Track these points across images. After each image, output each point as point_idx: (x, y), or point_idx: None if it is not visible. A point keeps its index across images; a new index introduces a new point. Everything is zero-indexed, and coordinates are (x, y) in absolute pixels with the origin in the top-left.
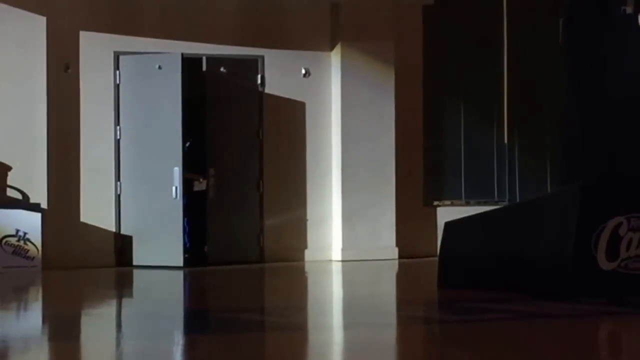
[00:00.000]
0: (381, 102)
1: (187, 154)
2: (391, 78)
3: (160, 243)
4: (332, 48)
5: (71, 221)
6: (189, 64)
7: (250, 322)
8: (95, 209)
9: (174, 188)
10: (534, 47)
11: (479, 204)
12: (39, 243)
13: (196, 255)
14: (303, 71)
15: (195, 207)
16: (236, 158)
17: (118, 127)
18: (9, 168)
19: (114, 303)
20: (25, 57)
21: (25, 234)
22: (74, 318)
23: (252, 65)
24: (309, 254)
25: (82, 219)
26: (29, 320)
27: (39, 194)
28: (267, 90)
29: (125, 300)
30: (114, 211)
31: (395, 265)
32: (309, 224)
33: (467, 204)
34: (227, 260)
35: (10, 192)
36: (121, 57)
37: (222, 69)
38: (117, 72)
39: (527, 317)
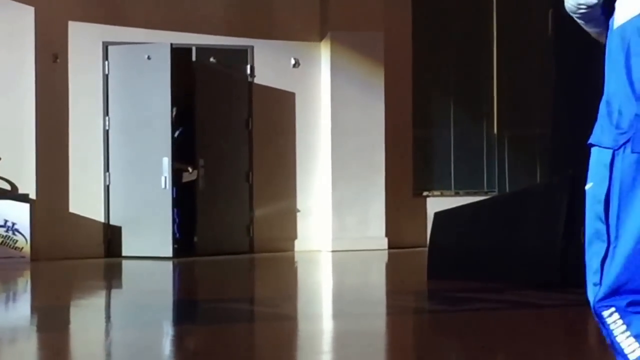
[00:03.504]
0: (371, 93)
1: (177, 144)
2: (381, 68)
3: (150, 233)
4: (321, 38)
5: (60, 212)
6: (178, 54)
7: (239, 312)
8: (84, 200)
9: (163, 178)
10: (523, 38)
11: (468, 194)
12: (27, 234)
13: (185, 246)
14: (293, 61)
15: (184, 198)
16: (226, 148)
17: (107, 118)
18: None
19: (103, 294)
20: (14, 47)
21: (13, 224)
22: (63, 309)
23: (242, 56)
24: (298, 244)
25: (71, 209)
26: (18, 310)
27: (28, 185)
28: (256, 81)
29: (114, 291)
30: (103, 202)
31: (384, 255)
32: (299, 214)
33: (457, 194)
34: (216, 251)
35: None
36: (110, 48)
37: (211, 59)
38: (106, 62)
39: (517, 307)
